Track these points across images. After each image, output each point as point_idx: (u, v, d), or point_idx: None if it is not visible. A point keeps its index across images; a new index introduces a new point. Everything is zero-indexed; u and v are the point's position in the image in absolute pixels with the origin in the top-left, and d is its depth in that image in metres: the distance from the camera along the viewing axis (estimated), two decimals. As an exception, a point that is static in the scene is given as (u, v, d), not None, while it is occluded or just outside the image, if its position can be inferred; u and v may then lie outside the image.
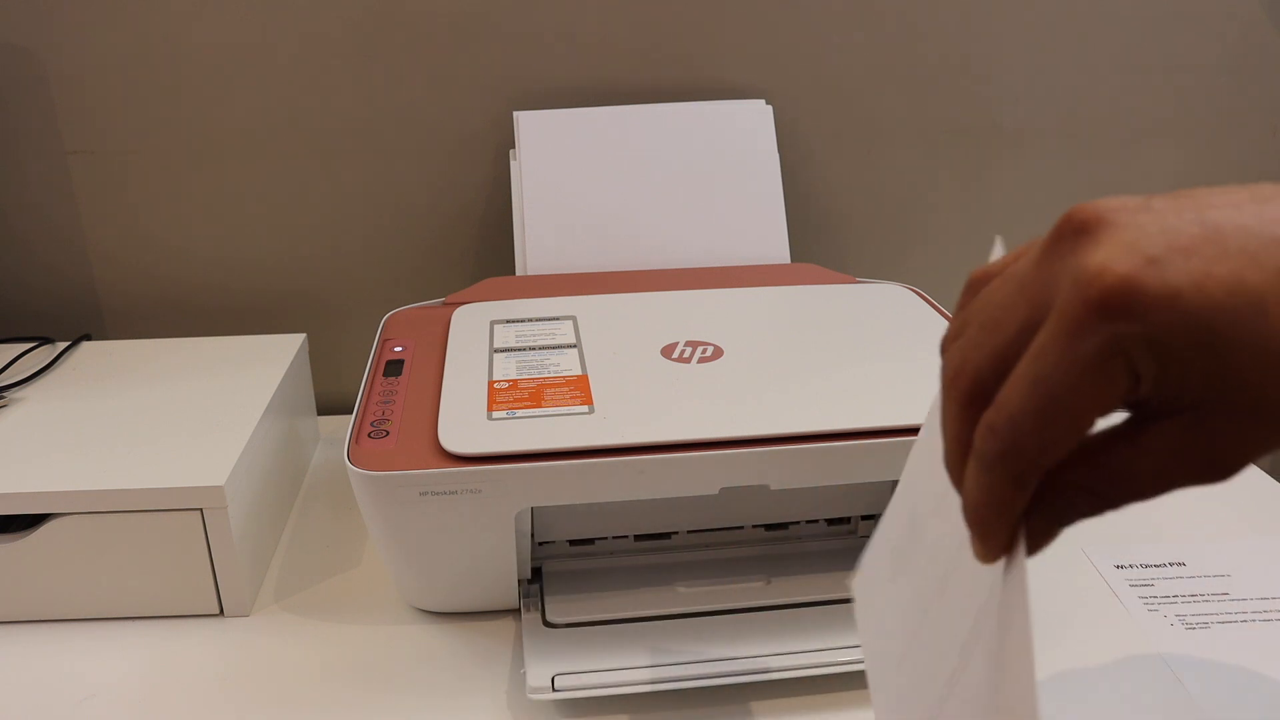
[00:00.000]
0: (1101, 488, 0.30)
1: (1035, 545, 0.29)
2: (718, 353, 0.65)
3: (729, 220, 0.83)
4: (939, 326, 0.70)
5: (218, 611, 0.65)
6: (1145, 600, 0.66)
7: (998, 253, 0.31)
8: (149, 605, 0.64)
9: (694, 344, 0.66)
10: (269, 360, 0.78)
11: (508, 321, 0.70)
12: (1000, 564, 0.30)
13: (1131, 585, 0.68)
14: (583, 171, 0.82)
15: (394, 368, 0.66)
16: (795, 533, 0.68)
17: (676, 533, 0.66)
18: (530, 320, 0.70)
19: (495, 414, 0.58)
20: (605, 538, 0.66)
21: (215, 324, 0.91)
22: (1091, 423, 0.27)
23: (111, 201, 0.87)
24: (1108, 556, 0.71)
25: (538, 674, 0.56)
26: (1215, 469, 0.28)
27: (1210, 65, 0.90)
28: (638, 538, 0.67)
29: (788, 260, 0.83)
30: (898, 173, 0.92)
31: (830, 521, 0.68)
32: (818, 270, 0.81)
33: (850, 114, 0.90)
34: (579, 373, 0.63)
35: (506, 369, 0.63)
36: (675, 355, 0.64)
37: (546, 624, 0.61)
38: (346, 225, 0.90)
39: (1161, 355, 0.25)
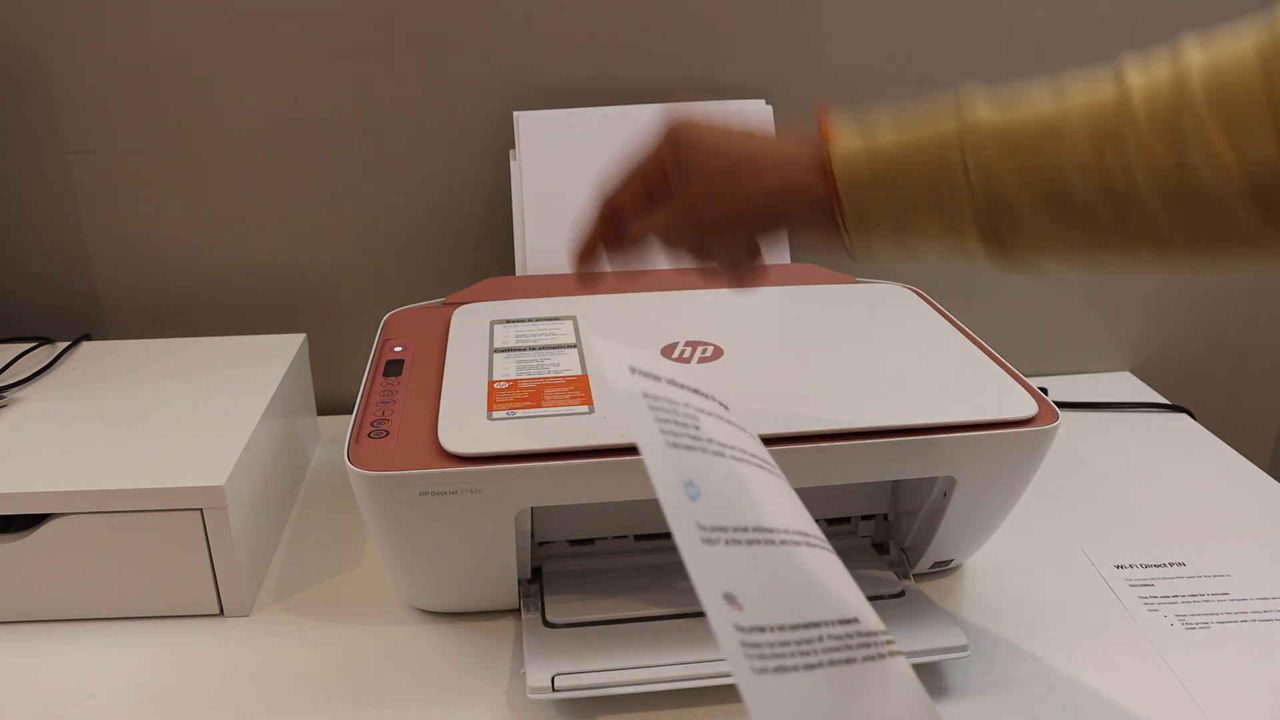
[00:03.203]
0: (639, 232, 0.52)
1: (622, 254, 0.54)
2: (718, 353, 0.65)
3: (729, 220, 0.83)
4: (939, 326, 0.70)
5: (218, 611, 0.65)
6: (1145, 600, 0.66)
7: None
8: (149, 605, 0.64)
9: (694, 344, 0.66)
10: (269, 360, 0.78)
11: (508, 321, 0.70)
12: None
13: (1131, 585, 0.68)
14: (583, 171, 0.82)
15: (394, 368, 0.66)
16: (795, 533, 0.68)
17: (676, 533, 0.66)
18: (530, 320, 0.70)
19: (495, 414, 0.58)
20: (605, 538, 0.66)
21: (215, 324, 0.91)
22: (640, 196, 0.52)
23: (111, 202, 0.87)
24: (1108, 556, 0.71)
25: (538, 674, 0.56)
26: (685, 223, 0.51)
27: (1210, 65, 0.90)
28: (638, 538, 0.67)
29: (788, 260, 0.83)
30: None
31: (830, 521, 0.68)
32: (818, 270, 0.81)
33: (850, 114, 0.89)
34: (579, 373, 0.63)
35: (506, 369, 0.63)
36: (675, 355, 0.64)
37: (546, 624, 0.61)
38: (346, 225, 0.90)
39: (673, 156, 0.50)
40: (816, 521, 0.67)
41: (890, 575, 0.65)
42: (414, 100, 0.86)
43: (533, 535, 0.63)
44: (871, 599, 0.62)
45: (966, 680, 0.59)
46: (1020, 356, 0.71)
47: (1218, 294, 0.99)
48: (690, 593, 0.63)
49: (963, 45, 0.88)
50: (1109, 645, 0.62)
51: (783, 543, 0.41)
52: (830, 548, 0.45)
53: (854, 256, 0.49)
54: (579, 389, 0.61)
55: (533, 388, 0.61)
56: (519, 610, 0.62)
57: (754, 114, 0.85)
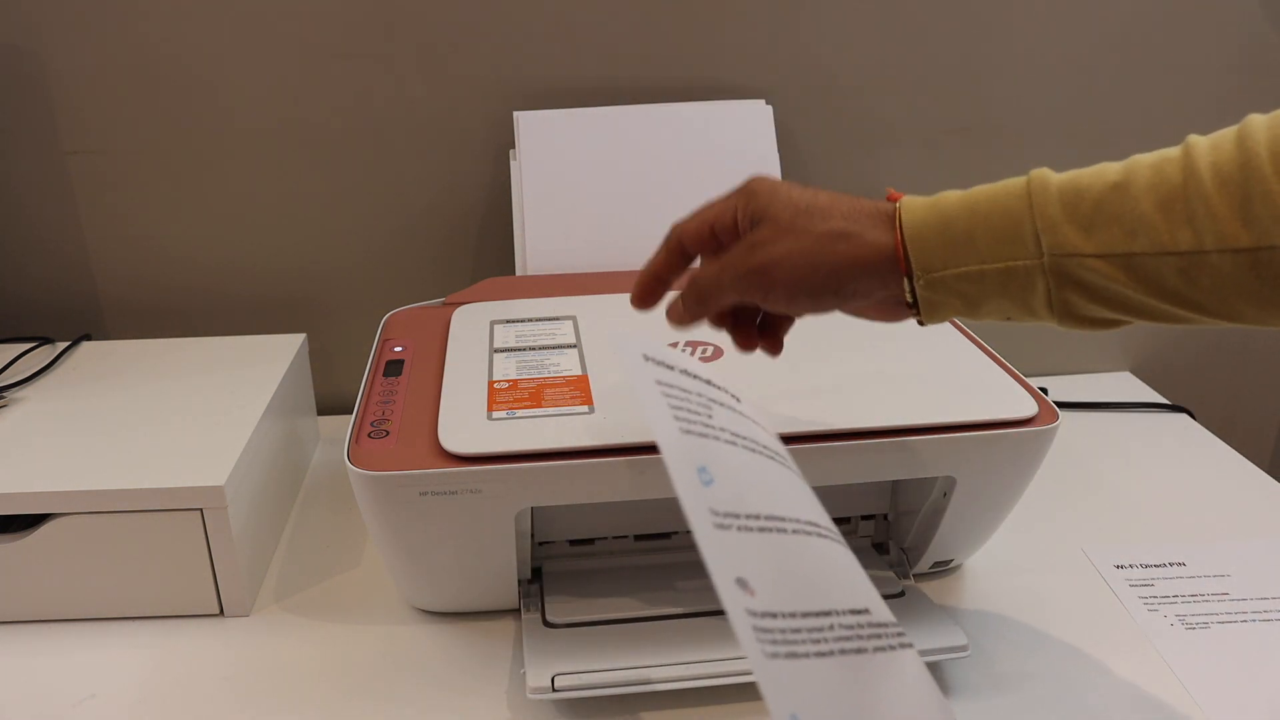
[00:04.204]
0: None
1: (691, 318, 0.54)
2: (718, 353, 0.65)
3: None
4: (939, 327, 0.70)
5: (218, 611, 0.65)
6: (1145, 600, 0.66)
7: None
8: (149, 605, 0.64)
9: (694, 344, 0.66)
10: (269, 360, 0.78)
11: (508, 321, 0.70)
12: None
13: (1131, 585, 0.68)
14: (583, 171, 0.82)
15: (394, 368, 0.66)
16: (795, 533, 0.68)
17: (676, 533, 0.66)
18: (530, 320, 0.70)
19: (495, 414, 0.58)
20: (605, 538, 0.66)
21: (215, 324, 0.91)
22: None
23: (111, 202, 0.87)
24: (1108, 556, 0.71)
25: (538, 674, 0.56)
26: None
27: (1210, 66, 0.90)
28: (638, 538, 0.67)
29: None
30: (898, 173, 0.92)
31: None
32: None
33: (850, 114, 0.90)
34: (579, 373, 0.63)
35: (506, 369, 0.63)
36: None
37: (546, 624, 0.61)
38: (346, 225, 0.90)
39: (745, 203, 0.50)
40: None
41: (890, 575, 0.65)
42: (414, 100, 0.86)
43: (533, 535, 0.63)
44: (871, 599, 0.62)
45: (966, 680, 0.59)
46: (1020, 356, 0.71)
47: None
48: (690, 593, 0.63)
49: (963, 45, 0.88)
50: (1109, 645, 0.62)
51: (795, 531, 0.42)
52: (843, 540, 0.45)
53: (916, 310, 0.48)
54: (579, 389, 0.61)
55: (533, 388, 0.61)
56: (519, 610, 0.62)
57: (754, 114, 0.85)
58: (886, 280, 0.47)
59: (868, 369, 0.63)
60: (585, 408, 0.59)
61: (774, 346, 0.55)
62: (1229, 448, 0.85)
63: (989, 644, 0.62)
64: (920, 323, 0.49)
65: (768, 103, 0.85)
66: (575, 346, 0.66)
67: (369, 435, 0.58)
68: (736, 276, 0.49)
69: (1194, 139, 0.44)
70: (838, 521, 0.68)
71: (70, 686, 0.59)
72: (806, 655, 0.37)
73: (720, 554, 0.36)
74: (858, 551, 0.67)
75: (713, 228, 0.51)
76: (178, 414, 0.70)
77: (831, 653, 0.38)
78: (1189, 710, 0.57)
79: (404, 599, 0.66)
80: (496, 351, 0.66)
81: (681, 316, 0.53)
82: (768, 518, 0.41)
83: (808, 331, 0.71)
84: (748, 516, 0.40)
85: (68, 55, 0.82)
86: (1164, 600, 0.66)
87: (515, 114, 0.83)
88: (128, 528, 0.62)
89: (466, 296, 0.76)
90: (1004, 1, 0.86)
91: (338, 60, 0.84)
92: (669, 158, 0.83)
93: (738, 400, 0.48)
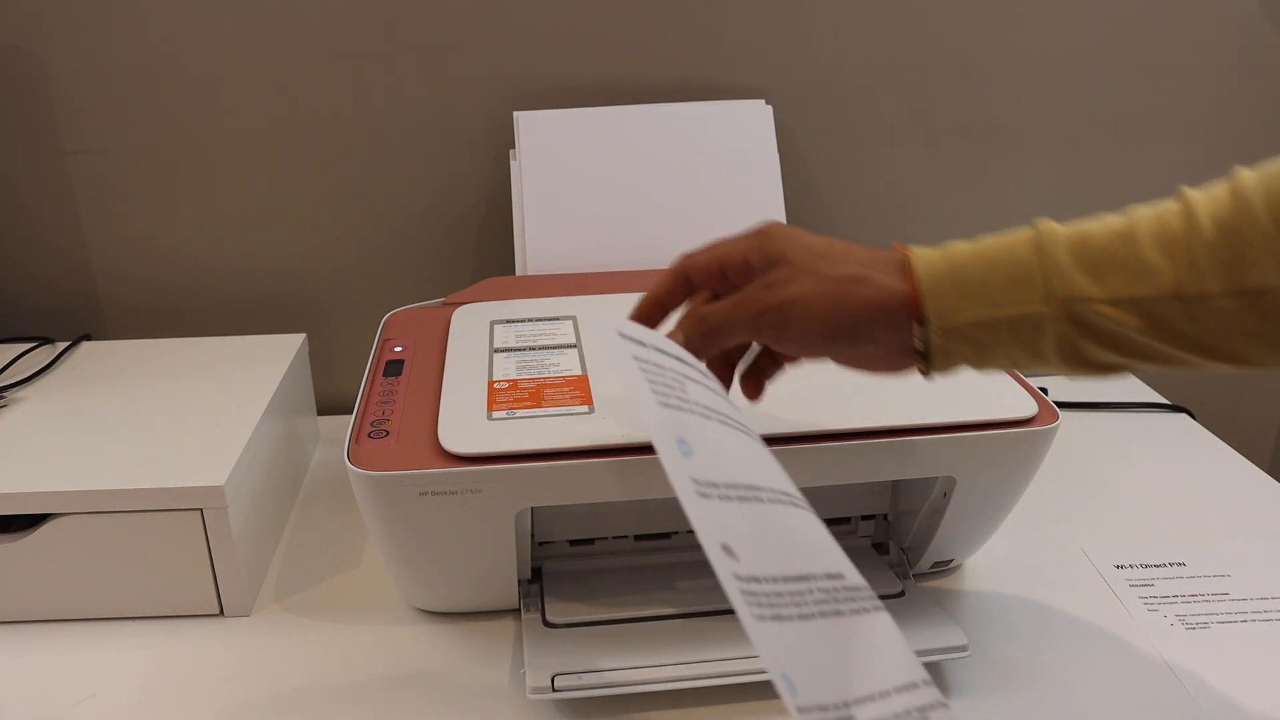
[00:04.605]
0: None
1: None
2: (721, 371, 0.65)
3: (729, 220, 0.82)
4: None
5: (218, 611, 0.65)
6: (1145, 600, 0.66)
7: None
8: (149, 605, 0.64)
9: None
10: (269, 360, 0.78)
11: (508, 321, 0.70)
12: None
13: (1131, 585, 0.68)
14: (583, 171, 0.82)
15: (394, 368, 0.66)
16: (795, 533, 0.68)
17: (676, 533, 0.66)
18: (530, 320, 0.70)
19: (495, 414, 0.58)
20: (605, 538, 0.66)
21: (215, 324, 0.91)
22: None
23: (111, 201, 0.87)
24: (1108, 556, 0.71)
25: (538, 674, 0.56)
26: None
27: (1210, 66, 0.90)
28: (638, 538, 0.67)
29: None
30: (898, 173, 0.92)
31: (830, 521, 0.68)
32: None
33: (850, 114, 0.90)
34: (579, 373, 0.63)
35: (506, 369, 0.63)
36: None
37: (546, 624, 0.61)
38: (346, 225, 0.90)
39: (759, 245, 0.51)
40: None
41: (890, 575, 0.65)
42: (414, 100, 0.86)
43: (533, 535, 0.63)
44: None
45: (966, 680, 0.59)
46: (1020, 356, 0.71)
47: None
48: (690, 593, 0.63)
49: (963, 45, 0.88)
50: (1109, 645, 0.62)
51: (770, 500, 0.43)
52: (810, 508, 0.46)
53: (924, 359, 0.48)
54: (579, 389, 0.61)
55: (533, 388, 0.61)
56: (519, 610, 0.62)
57: (754, 114, 0.85)
58: (899, 326, 0.48)
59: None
60: (585, 408, 0.59)
61: (755, 390, 0.55)
62: (1229, 448, 0.85)
63: (989, 644, 0.62)
64: (925, 374, 0.49)
65: (768, 103, 0.85)
66: (575, 346, 0.66)
67: (369, 435, 0.58)
68: (751, 315, 0.49)
69: (1188, 191, 0.46)
70: (838, 521, 0.68)
71: (70, 686, 0.59)
72: (790, 618, 0.38)
73: (706, 522, 0.38)
74: (858, 551, 0.68)
75: (723, 265, 0.51)
76: (178, 414, 0.70)
77: (812, 615, 0.39)
78: (1189, 710, 0.57)
79: (404, 599, 0.66)
80: (496, 351, 0.66)
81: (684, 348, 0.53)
82: (745, 487, 0.42)
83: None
84: (726, 486, 0.41)
85: (68, 55, 0.82)
86: (1164, 600, 0.66)
87: (515, 114, 0.83)
88: (128, 528, 0.62)
89: (466, 296, 0.76)
90: (1004, 2, 0.86)
91: (338, 60, 0.84)
92: (669, 158, 0.83)
93: (706, 375, 0.49)
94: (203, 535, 0.62)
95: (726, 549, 0.38)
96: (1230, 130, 0.93)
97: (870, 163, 0.91)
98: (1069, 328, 0.46)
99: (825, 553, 0.44)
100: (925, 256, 0.48)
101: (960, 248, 0.48)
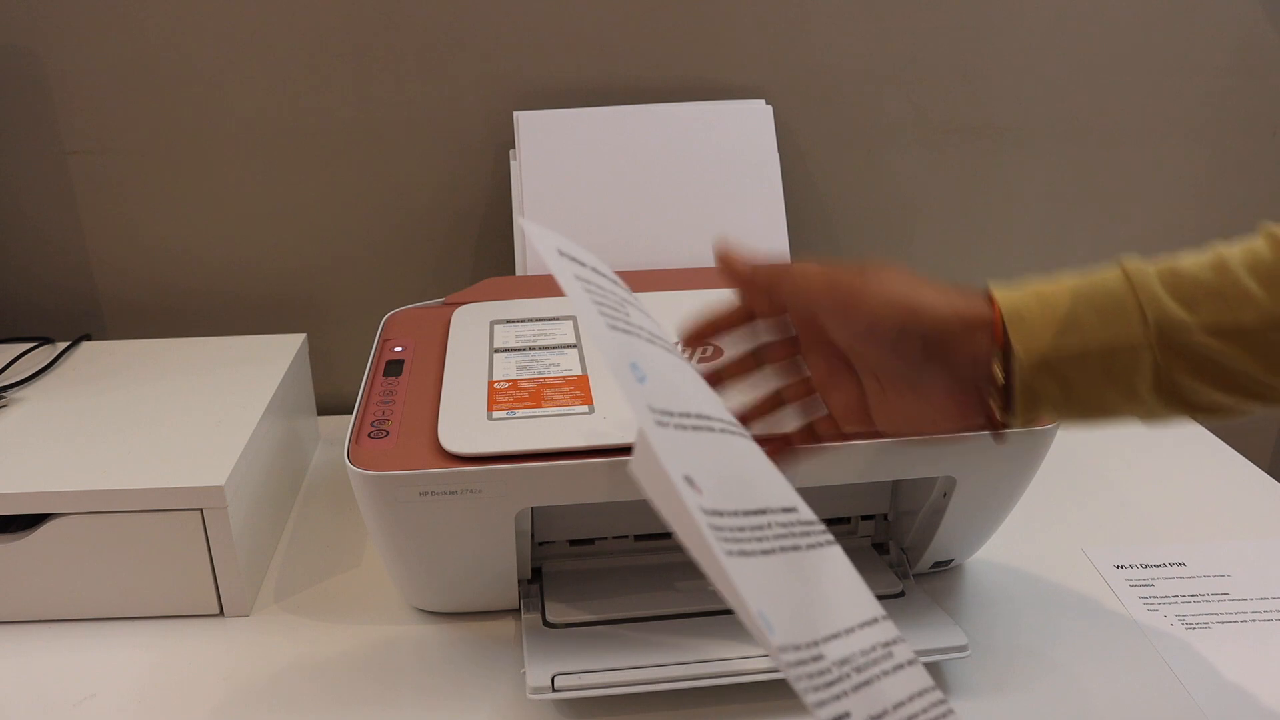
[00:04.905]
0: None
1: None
2: (717, 353, 0.65)
3: (729, 220, 0.83)
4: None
5: (218, 611, 0.65)
6: (1145, 600, 0.66)
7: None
8: (149, 605, 0.64)
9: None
10: (269, 360, 0.78)
11: (508, 321, 0.70)
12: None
13: (1131, 585, 0.68)
14: (583, 171, 0.82)
15: (394, 368, 0.66)
16: (795, 533, 0.68)
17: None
18: (530, 320, 0.70)
19: (495, 414, 0.58)
20: (605, 538, 0.66)
21: (215, 324, 0.91)
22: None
23: (111, 201, 0.87)
24: (1108, 556, 0.71)
25: (538, 674, 0.56)
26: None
27: (1210, 66, 0.90)
28: (638, 538, 0.67)
29: (788, 260, 0.83)
30: (898, 173, 0.92)
31: (830, 521, 0.68)
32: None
33: (850, 114, 0.90)
34: (579, 373, 0.63)
35: (506, 369, 0.63)
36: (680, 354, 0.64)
37: (546, 624, 0.61)
38: (346, 225, 0.90)
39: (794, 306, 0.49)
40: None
41: (890, 575, 0.65)
42: (414, 100, 0.86)
43: (533, 535, 0.63)
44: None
45: (966, 680, 0.59)
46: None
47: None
48: (690, 594, 0.63)
49: (963, 45, 0.88)
50: (1109, 645, 0.62)
51: (721, 430, 0.42)
52: (750, 436, 0.45)
53: (1005, 400, 0.46)
54: (579, 389, 0.61)
55: (533, 388, 0.61)
56: (519, 610, 0.62)
57: (754, 114, 0.85)
58: (978, 345, 0.45)
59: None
60: (585, 408, 0.59)
61: (800, 440, 0.53)
62: (1229, 448, 0.85)
63: (989, 644, 0.62)
64: (999, 429, 0.47)
65: (768, 103, 0.85)
66: (575, 346, 0.66)
67: (369, 435, 0.58)
68: (827, 279, 0.46)
69: (1273, 227, 0.45)
70: (838, 522, 0.68)
71: (70, 686, 0.59)
72: (754, 554, 0.37)
73: (667, 451, 0.36)
74: (858, 551, 0.68)
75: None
76: (178, 414, 0.70)
77: (773, 550, 0.38)
78: (1189, 710, 0.57)
79: (404, 599, 0.66)
80: (496, 351, 0.66)
81: (732, 267, 0.50)
82: (697, 415, 0.40)
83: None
84: (680, 415, 0.39)
85: (68, 55, 0.82)
86: (1164, 600, 0.66)
87: (515, 114, 0.83)
88: (128, 528, 0.62)
89: (466, 296, 0.76)
90: (1004, 1, 0.86)
91: (338, 60, 0.84)
92: (669, 158, 0.83)
93: (635, 295, 0.48)
94: (203, 535, 0.62)
95: (689, 480, 0.36)
96: (1230, 130, 0.93)
97: (870, 163, 0.91)
98: (1166, 358, 0.44)
99: (776, 485, 0.42)
100: (1006, 288, 0.46)
101: (1041, 282, 0.46)
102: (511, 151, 0.84)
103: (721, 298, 0.69)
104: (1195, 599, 0.66)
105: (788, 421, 0.52)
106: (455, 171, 0.88)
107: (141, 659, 0.61)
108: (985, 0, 0.86)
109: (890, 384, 0.48)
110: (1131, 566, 0.69)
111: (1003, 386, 0.45)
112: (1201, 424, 0.46)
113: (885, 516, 0.68)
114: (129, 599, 0.64)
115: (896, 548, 0.67)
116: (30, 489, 0.61)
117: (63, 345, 0.82)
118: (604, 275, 0.46)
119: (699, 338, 0.52)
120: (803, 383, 0.52)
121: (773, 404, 0.53)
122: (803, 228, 0.91)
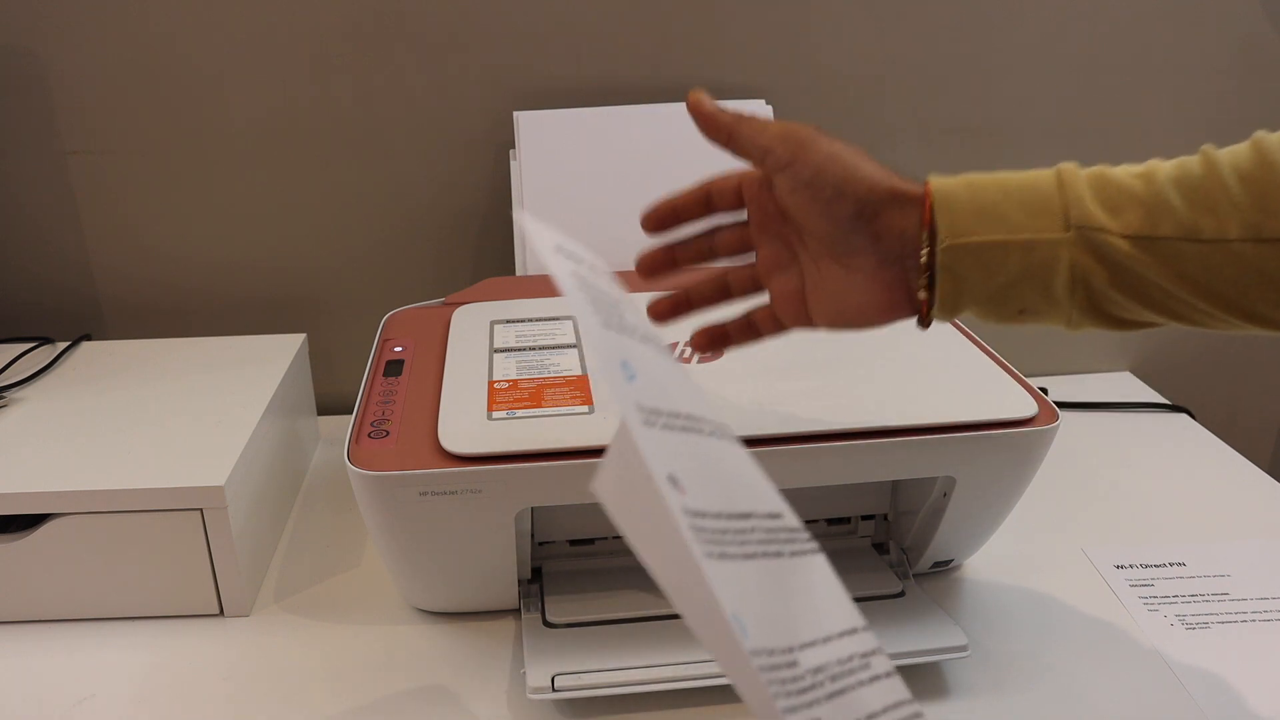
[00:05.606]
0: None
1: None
2: (717, 352, 0.65)
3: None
4: (939, 326, 0.69)
5: (218, 611, 0.65)
6: (1145, 600, 0.66)
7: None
8: (149, 605, 0.64)
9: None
10: (269, 360, 0.78)
11: (508, 321, 0.70)
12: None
13: (1131, 585, 0.68)
14: (583, 171, 0.82)
15: (394, 368, 0.66)
16: (795, 533, 0.68)
17: (676, 533, 0.66)
18: (530, 320, 0.70)
19: (495, 414, 0.58)
20: (605, 538, 0.66)
21: (215, 324, 0.91)
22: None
23: (111, 201, 0.87)
24: (1108, 556, 0.71)
25: (538, 674, 0.56)
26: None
27: (1210, 66, 0.90)
28: (638, 538, 0.67)
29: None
30: (898, 173, 0.92)
31: (830, 521, 0.68)
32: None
33: (850, 114, 0.90)
34: (579, 373, 0.63)
35: (506, 369, 0.63)
36: (675, 356, 0.64)
37: (546, 624, 0.61)
38: (346, 225, 0.90)
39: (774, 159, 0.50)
40: (816, 522, 0.68)
41: (890, 575, 0.65)
42: (414, 100, 0.86)
43: (533, 535, 0.63)
44: (871, 599, 0.62)
45: (966, 680, 0.59)
46: (1020, 356, 0.71)
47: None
48: (690, 593, 0.63)
49: (963, 45, 0.88)
50: (1109, 645, 0.62)
51: (710, 433, 0.42)
52: (739, 440, 0.45)
53: (928, 288, 0.48)
54: (579, 389, 0.61)
55: (533, 388, 0.61)
56: (519, 610, 0.62)
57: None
58: (906, 223, 0.47)
59: (868, 369, 0.63)
60: (585, 408, 0.59)
61: (727, 340, 0.56)
62: (1229, 448, 0.85)
63: (989, 644, 0.62)
64: (924, 318, 0.49)
65: (768, 103, 0.85)
66: (575, 346, 0.66)
67: (369, 435, 0.58)
68: (780, 130, 0.48)
69: (1208, 147, 0.46)
70: (838, 522, 0.68)
71: (70, 686, 0.59)
72: (735, 557, 0.37)
73: (652, 451, 0.36)
74: (858, 551, 0.68)
75: (741, 181, 0.52)
76: (178, 414, 0.70)
77: (755, 555, 0.38)
78: (1189, 710, 0.57)
79: (404, 599, 0.66)
80: (496, 351, 0.66)
81: (701, 106, 0.52)
82: (686, 417, 0.41)
83: (807, 332, 0.71)
84: (669, 415, 0.40)
85: (68, 55, 0.82)
86: (1164, 600, 0.66)
87: (515, 114, 0.83)
88: (128, 528, 0.62)
89: (466, 296, 0.76)
90: (1004, 1, 0.86)
91: (338, 60, 0.84)
92: (669, 158, 0.83)
93: (636, 306, 0.48)
94: (203, 535, 0.62)
95: (673, 480, 0.36)
96: (1230, 130, 0.93)
97: (870, 163, 0.91)
98: (1083, 258, 0.45)
99: (762, 491, 0.43)
100: (941, 178, 0.48)
101: (978, 175, 0.48)
102: (511, 151, 0.84)
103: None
104: (1195, 599, 0.66)
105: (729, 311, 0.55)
106: (455, 171, 0.88)
107: (141, 659, 0.61)
108: (985, 0, 0.86)
109: (822, 259, 0.50)
110: (1131, 566, 0.69)
111: (926, 267, 0.47)
112: (1115, 334, 0.48)
113: (885, 516, 0.68)
114: (129, 599, 0.64)
115: (896, 548, 0.67)
116: (30, 489, 0.61)
117: (63, 345, 0.82)
118: (602, 274, 0.46)
119: (658, 218, 0.54)
120: (749, 269, 0.54)
121: (718, 288, 0.55)
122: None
